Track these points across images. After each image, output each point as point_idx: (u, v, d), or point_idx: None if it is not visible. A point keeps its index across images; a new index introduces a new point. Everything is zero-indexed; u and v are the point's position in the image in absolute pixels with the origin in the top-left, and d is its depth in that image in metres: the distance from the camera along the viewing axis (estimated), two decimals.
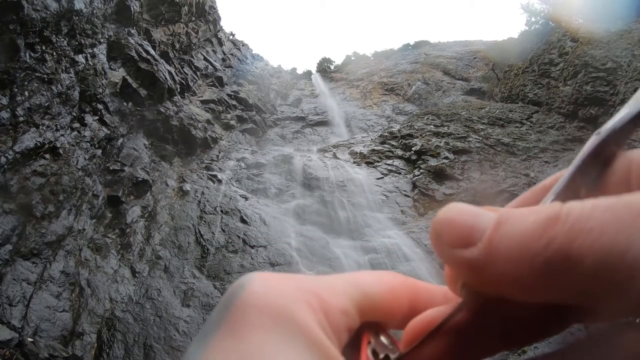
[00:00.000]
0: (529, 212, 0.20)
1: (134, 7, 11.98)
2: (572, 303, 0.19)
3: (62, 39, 8.61)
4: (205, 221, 8.84)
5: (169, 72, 12.84)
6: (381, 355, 0.25)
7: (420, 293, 0.28)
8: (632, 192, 0.23)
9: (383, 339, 0.26)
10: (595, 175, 0.25)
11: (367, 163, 11.98)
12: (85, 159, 8.56)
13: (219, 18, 19.34)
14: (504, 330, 0.25)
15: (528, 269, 0.19)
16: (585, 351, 0.19)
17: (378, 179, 11.02)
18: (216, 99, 15.70)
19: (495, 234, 0.20)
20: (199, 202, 9.49)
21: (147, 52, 12.05)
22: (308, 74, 28.15)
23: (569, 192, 0.24)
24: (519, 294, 0.20)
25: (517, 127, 12.54)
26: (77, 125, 8.81)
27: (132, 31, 12.00)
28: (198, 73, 15.90)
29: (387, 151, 12.50)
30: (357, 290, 0.26)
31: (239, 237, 8.39)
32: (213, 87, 16.37)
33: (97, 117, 9.55)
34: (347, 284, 0.26)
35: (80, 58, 9.24)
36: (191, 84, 14.85)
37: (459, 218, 0.22)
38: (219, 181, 10.53)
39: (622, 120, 0.24)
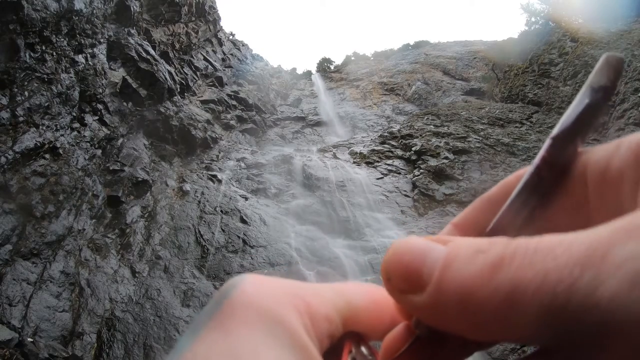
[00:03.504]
0: (476, 251, 0.20)
1: (134, 7, 11.98)
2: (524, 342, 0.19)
3: (62, 39, 8.61)
4: (205, 221, 8.84)
5: (169, 72, 12.84)
6: None
7: None
8: (587, 199, 0.23)
9: (364, 349, 0.27)
10: (554, 181, 0.23)
11: (367, 163, 11.98)
12: (85, 159, 8.56)
13: (219, 18, 19.34)
14: (465, 342, 0.25)
15: (476, 317, 0.19)
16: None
17: (378, 179, 11.02)
18: (216, 99, 15.70)
19: (442, 280, 0.20)
20: (199, 202, 9.49)
21: (147, 52, 12.05)
22: (308, 74, 28.16)
23: (523, 208, 0.23)
24: (470, 336, 0.20)
25: (517, 127, 12.54)
26: (77, 125, 8.81)
27: (132, 31, 12.00)
28: (198, 73, 15.90)
29: (387, 151, 12.49)
30: (342, 300, 0.27)
31: (238, 237, 8.39)
32: (213, 87, 16.37)
33: (97, 117, 9.55)
34: (333, 292, 0.27)
35: (80, 58, 9.24)
36: (191, 84, 14.85)
37: (406, 259, 0.22)
38: (219, 181, 10.53)
39: (579, 118, 0.22)
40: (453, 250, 0.21)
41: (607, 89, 0.22)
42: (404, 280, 0.22)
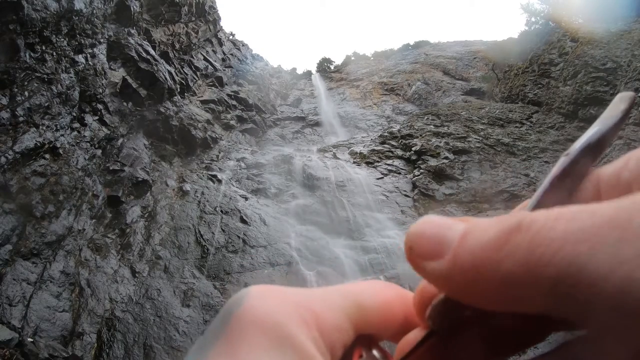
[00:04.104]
0: (493, 222, 0.20)
1: (134, 7, 11.98)
2: (540, 313, 0.19)
3: (62, 39, 8.61)
4: (205, 221, 8.84)
5: (169, 72, 12.84)
6: None
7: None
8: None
9: (375, 352, 0.27)
10: (564, 197, 0.24)
11: (367, 163, 11.98)
12: (85, 159, 8.56)
13: (219, 18, 19.34)
14: (482, 346, 0.25)
15: (491, 281, 0.19)
16: (583, 346, 0.19)
17: (378, 179, 11.02)
18: (216, 99, 15.70)
19: (461, 246, 0.21)
20: (199, 202, 9.49)
21: (147, 52, 12.05)
22: (308, 74, 28.15)
23: None
24: (487, 305, 0.20)
25: (517, 127, 12.54)
26: (77, 125, 8.81)
27: (132, 31, 12.00)
28: (198, 73, 15.90)
29: (387, 151, 12.50)
30: (351, 304, 0.26)
31: (239, 237, 8.39)
32: (213, 87, 16.37)
33: (97, 117, 9.56)
34: (342, 297, 0.26)
35: (80, 58, 9.24)
36: (191, 84, 14.85)
37: (429, 231, 0.23)
38: (219, 181, 10.53)
39: (591, 140, 0.24)
40: (473, 222, 0.22)
41: (619, 119, 0.24)
42: (425, 248, 0.22)
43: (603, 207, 0.18)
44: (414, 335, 0.27)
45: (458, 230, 0.22)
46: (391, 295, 0.28)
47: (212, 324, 0.23)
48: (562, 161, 0.24)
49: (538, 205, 0.24)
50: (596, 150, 0.24)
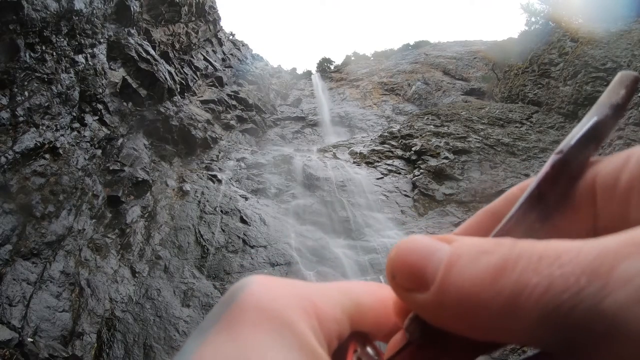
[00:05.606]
0: (480, 252, 0.20)
1: (134, 7, 11.98)
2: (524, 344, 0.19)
3: (62, 39, 8.60)
4: (205, 221, 8.84)
5: (169, 72, 12.84)
6: None
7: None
8: (595, 211, 0.23)
9: (369, 349, 0.27)
10: (557, 197, 0.23)
11: (367, 163, 11.98)
12: (85, 159, 8.56)
13: (219, 18, 19.35)
14: (463, 351, 0.25)
15: (477, 318, 0.19)
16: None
17: (378, 179, 11.02)
18: (216, 99, 15.70)
19: (446, 279, 0.20)
20: (199, 202, 9.49)
21: (147, 52, 12.05)
22: (308, 74, 28.15)
23: (522, 221, 0.23)
24: (471, 335, 0.20)
25: (517, 127, 12.53)
26: (77, 125, 8.81)
27: (132, 31, 12.00)
28: (198, 73, 15.90)
29: (387, 151, 12.49)
30: (349, 300, 0.27)
31: (239, 237, 8.39)
32: (213, 87, 16.37)
33: (97, 117, 9.55)
34: (340, 293, 0.27)
35: (80, 58, 9.24)
36: (191, 84, 14.85)
37: (411, 257, 0.22)
38: (219, 181, 10.53)
39: (587, 133, 0.22)
40: (457, 249, 0.21)
41: (618, 107, 0.22)
42: (408, 278, 0.22)
43: (586, 249, 0.17)
44: (400, 337, 0.27)
45: (442, 257, 0.21)
46: (387, 295, 0.28)
47: (214, 308, 0.24)
48: (552, 160, 0.23)
49: (523, 213, 0.23)
50: (593, 144, 0.22)
